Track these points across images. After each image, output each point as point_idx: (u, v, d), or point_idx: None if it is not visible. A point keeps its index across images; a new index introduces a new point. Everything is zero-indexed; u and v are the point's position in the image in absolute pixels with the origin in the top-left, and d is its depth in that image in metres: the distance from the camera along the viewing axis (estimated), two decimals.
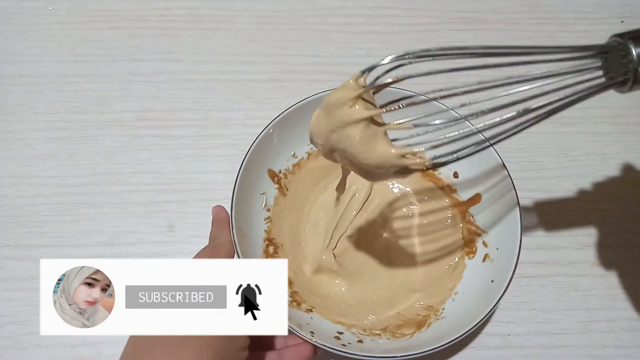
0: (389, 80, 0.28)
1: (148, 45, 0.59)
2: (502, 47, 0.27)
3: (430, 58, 0.27)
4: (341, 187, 0.43)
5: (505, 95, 0.27)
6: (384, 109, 0.29)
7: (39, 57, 0.57)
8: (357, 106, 0.29)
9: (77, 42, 0.59)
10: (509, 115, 0.27)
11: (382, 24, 0.62)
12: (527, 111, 0.27)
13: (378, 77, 0.29)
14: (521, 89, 0.27)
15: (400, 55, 0.27)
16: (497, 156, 0.43)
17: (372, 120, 0.30)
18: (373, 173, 0.32)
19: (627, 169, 0.54)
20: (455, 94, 0.27)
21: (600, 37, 0.65)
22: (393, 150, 0.30)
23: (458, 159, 0.30)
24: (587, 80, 0.28)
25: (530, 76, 0.27)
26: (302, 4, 0.63)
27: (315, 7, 0.63)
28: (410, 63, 0.27)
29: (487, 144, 0.30)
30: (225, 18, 0.61)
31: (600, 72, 0.28)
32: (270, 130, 0.44)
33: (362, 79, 0.29)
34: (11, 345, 0.43)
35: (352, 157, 0.31)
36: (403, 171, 0.31)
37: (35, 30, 0.59)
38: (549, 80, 0.27)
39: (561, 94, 0.27)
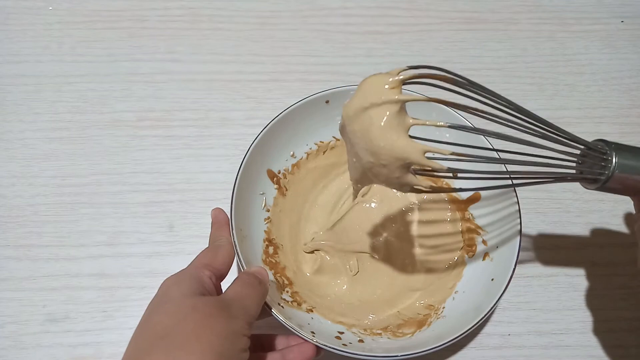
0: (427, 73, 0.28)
1: (148, 45, 0.59)
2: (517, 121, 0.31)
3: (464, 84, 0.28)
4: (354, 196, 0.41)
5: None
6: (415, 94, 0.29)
7: (38, 57, 0.57)
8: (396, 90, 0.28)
9: (77, 42, 0.59)
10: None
11: (382, 24, 0.62)
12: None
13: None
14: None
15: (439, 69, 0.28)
16: (497, 155, 0.43)
17: (403, 110, 0.29)
18: (375, 170, 0.30)
19: None
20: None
21: (600, 37, 0.65)
22: (416, 144, 0.28)
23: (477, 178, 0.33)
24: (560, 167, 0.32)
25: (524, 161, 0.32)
26: (302, 4, 0.63)
27: (315, 7, 0.63)
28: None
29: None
30: (225, 18, 0.61)
31: (573, 164, 0.32)
32: (270, 131, 0.44)
33: (403, 74, 0.28)
34: (11, 345, 0.43)
35: (368, 142, 0.29)
36: (408, 181, 0.30)
37: (35, 30, 0.59)
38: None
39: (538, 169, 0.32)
